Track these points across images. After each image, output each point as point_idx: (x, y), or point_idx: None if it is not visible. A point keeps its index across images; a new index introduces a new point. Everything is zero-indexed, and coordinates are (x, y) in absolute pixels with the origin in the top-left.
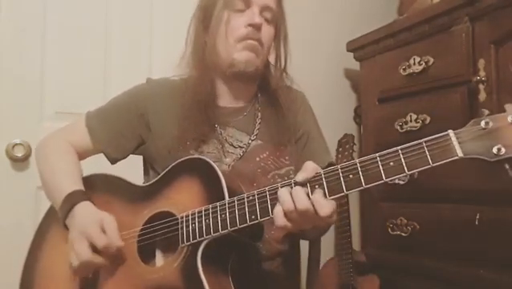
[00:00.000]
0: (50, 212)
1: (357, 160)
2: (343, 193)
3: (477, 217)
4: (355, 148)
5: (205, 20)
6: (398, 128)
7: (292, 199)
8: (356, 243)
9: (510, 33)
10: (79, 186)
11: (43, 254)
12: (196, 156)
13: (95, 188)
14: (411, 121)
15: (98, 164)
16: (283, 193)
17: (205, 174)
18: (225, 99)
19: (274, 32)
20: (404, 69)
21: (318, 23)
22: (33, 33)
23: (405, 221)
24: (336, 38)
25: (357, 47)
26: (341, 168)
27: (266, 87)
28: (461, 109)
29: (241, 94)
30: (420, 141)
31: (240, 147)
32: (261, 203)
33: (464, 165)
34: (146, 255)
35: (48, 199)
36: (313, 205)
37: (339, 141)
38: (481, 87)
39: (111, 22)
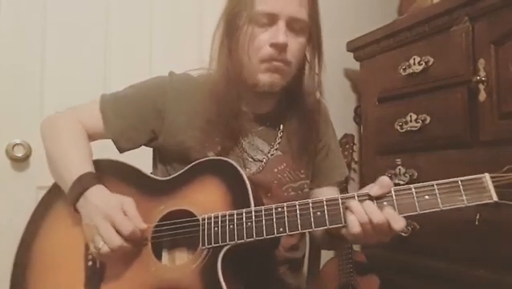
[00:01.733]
0: (52, 191)
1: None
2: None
3: (477, 217)
4: (355, 148)
5: (228, 30)
6: (398, 128)
7: (364, 211)
8: None
9: (510, 33)
10: (91, 168)
11: (42, 240)
12: (222, 158)
13: (108, 173)
14: (411, 121)
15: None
16: (356, 204)
17: (229, 178)
18: (249, 104)
19: (306, 41)
20: (404, 69)
21: None
22: (33, 33)
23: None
24: (336, 38)
25: (357, 47)
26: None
27: (293, 93)
28: (461, 109)
29: (265, 101)
30: (455, 179)
31: (259, 160)
32: (290, 216)
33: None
34: (159, 252)
35: (54, 178)
36: (387, 219)
37: (339, 141)
38: (481, 87)
39: (111, 22)
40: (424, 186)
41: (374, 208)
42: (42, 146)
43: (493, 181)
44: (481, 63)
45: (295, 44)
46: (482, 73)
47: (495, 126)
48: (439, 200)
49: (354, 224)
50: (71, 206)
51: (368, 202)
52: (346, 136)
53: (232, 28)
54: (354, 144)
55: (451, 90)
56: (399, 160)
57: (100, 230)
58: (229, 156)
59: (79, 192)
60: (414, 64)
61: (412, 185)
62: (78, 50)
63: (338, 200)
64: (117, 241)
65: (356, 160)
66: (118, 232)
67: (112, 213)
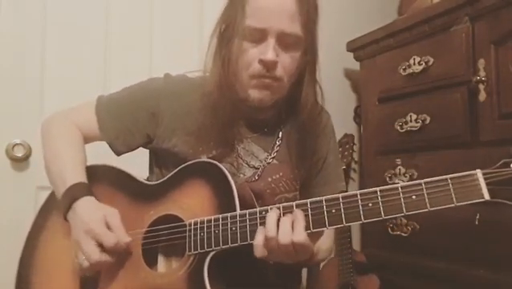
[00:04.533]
0: (50, 200)
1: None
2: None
3: (477, 217)
4: (355, 148)
5: (222, 41)
6: (398, 128)
7: (277, 229)
8: (356, 243)
9: (510, 33)
10: (82, 178)
11: (42, 245)
12: (208, 160)
13: (99, 180)
14: (411, 121)
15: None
16: (272, 218)
17: (216, 181)
18: (245, 111)
19: (302, 53)
20: (404, 69)
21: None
22: (33, 33)
23: (405, 221)
24: (336, 38)
25: (357, 47)
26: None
27: (293, 107)
28: (461, 109)
29: (262, 111)
30: (445, 177)
31: (255, 168)
32: None
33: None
34: (149, 258)
35: (50, 183)
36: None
37: (339, 141)
38: (481, 87)
39: (111, 22)
40: (411, 185)
41: (286, 229)
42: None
43: (485, 178)
44: (481, 63)
45: (287, 59)
46: (482, 73)
47: (495, 126)
48: (427, 200)
49: (257, 245)
50: (63, 216)
51: (285, 220)
52: (346, 136)
53: (225, 39)
54: (354, 144)
55: (451, 90)
56: (399, 160)
57: (81, 245)
58: (224, 162)
59: (69, 203)
60: (414, 64)
61: (398, 185)
62: (78, 50)
63: (322, 202)
64: (96, 255)
65: (356, 160)
66: (100, 245)
67: (94, 227)
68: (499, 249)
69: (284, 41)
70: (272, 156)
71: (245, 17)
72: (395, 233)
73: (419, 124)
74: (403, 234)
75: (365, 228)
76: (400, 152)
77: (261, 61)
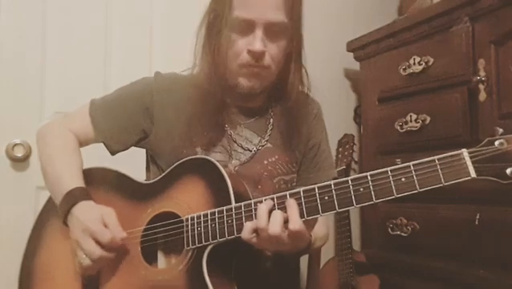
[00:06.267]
0: (49, 204)
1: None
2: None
3: (477, 217)
4: (355, 148)
5: (210, 32)
6: (398, 128)
7: (268, 220)
8: (356, 243)
9: (510, 33)
10: (80, 182)
11: (42, 249)
12: (202, 156)
13: (96, 183)
14: (411, 121)
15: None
16: (262, 210)
17: (210, 176)
18: (236, 99)
19: (288, 41)
20: (404, 69)
21: (318, 23)
22: (33, 33)
23: (405, 221)
24: (336, 38)
25: (357, 47)
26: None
27: (281, 93)
28: (461, 109)
29: (252, 98)
30: (432, 158)
31: (249, 150)
32: None
33: None
34: (149, 256)
35: (48, 190)
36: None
37: (339, 141)
38: (481, 87)
39: (111, 22)
40: (400, 168)
41: (277, 220)
42: None
43: (471, 157)
44: (481, 63)
45: (274, 48)
46: (482, 73)
47: (495, 126)
48: (416, 181)
49: (245, 229)
50: (62, 221)
51: (276, 213)
52: (346, 136)
53: (213, 30)
54: (354, 144)
55: (451, 90)
56: (399, 161)
57: (80, 243)
58: (217, 148)
59: (67, 208)
60: (414, 64)
61: (388, 168)
62: (78, 50)
63: (315, 190)
64: (97, 252)
65: (356, 160)
66: (97, 242)
67: (91, 225)
68: (499, 249)
69: (271, 31)
70: (265, 139)
71: (233, 8)
72: (395, 233)
73: (419, 124)
74: (403, 234)
75: (365, 228)
76: (400, 152)
77: (249, 51)
